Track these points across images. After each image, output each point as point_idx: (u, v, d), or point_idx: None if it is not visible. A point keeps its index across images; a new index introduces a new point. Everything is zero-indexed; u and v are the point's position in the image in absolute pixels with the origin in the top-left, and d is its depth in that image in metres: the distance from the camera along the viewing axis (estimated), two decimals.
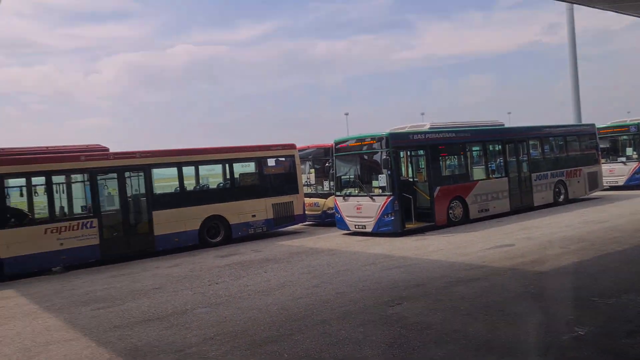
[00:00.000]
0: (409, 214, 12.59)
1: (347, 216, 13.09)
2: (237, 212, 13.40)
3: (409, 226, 12.46)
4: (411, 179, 13.84)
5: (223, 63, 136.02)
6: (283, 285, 8.11)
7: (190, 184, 13.76)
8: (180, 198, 13.09)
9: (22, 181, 11.03)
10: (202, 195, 13.62)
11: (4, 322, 7.28)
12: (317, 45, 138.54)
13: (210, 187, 14.21)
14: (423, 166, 13.94)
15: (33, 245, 10.60)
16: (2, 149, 11.45)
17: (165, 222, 12.28)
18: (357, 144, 13.24)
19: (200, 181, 14.02)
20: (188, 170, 13.39)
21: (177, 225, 12.49)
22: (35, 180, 11.12)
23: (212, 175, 14.93)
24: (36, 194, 11.22)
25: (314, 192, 15.82)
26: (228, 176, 14.00)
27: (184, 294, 8.13)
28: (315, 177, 16.11)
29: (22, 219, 11.10)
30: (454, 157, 14.83)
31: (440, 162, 13.99)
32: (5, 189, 10.84)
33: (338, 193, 13.40)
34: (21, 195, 11.13)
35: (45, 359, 5.58)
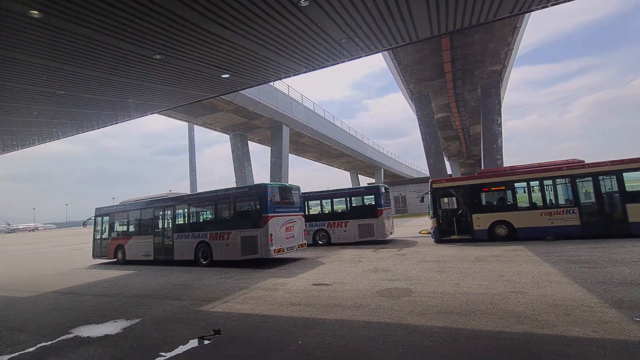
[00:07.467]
0: None
1: None
2: None
3: None
4: None
5: None
6: None
7: None
8: None
9: (524, 185, 16.01)
10: None
11: (521, 263, 10.20)
12: None
13: None
14: None
15: (533, 221, 15.36)
16: (514, 166, 16.94)
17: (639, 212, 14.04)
18: None
19: None
20: None
21: None
22: (533, 183, 15.91)
23: None
24: (534, 191, 15.95)
25: None
26: None
27: None
28: None
29: (527, 205, 15.93)
30: None
31: None
32: (516, 190, 16.07)
33: None
34: (524, 192, 16.10)
35: (549, 290, 7.08)
